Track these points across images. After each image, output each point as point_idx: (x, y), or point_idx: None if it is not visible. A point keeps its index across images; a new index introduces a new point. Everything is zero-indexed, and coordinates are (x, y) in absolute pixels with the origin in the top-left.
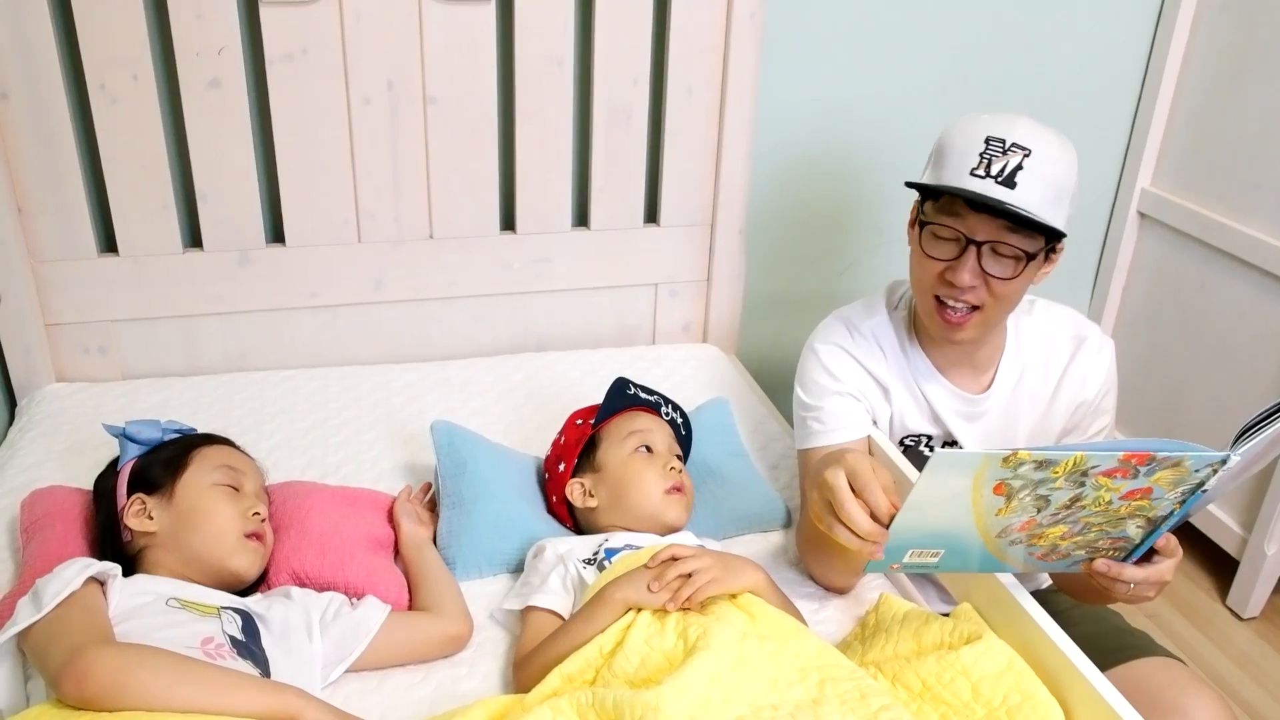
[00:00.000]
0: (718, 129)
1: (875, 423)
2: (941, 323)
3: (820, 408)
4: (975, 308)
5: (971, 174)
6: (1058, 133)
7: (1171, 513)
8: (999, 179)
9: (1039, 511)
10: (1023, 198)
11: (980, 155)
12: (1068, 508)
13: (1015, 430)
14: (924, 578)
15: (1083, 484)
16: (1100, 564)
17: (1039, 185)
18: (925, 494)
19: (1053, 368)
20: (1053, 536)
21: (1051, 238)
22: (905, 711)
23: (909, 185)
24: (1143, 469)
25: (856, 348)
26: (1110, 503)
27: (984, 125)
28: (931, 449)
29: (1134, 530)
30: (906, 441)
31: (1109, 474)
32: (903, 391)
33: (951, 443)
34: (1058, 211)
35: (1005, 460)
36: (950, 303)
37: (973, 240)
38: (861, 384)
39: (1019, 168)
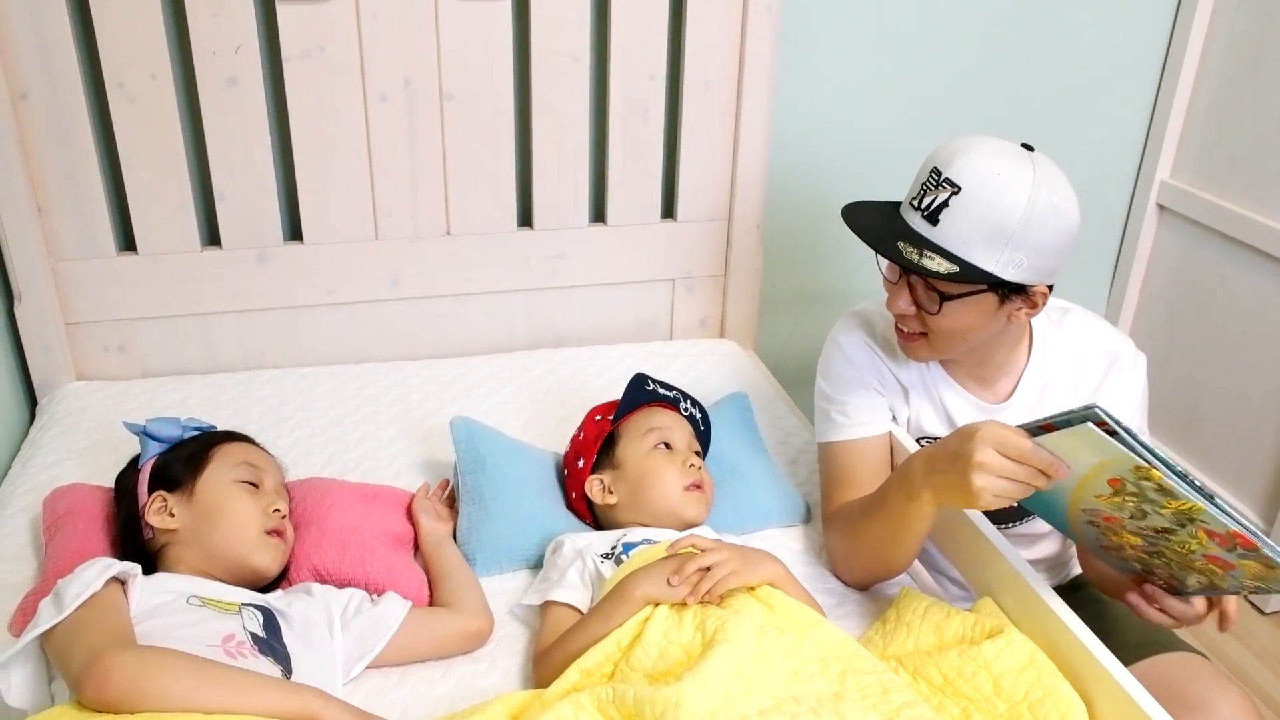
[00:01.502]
0: (734, 124)
1: (894, 419)
2: (899, 339)
3: (845, 401)
4: (922, 333)
5: (910, 203)
6: (1022, 170)
7: (1238, 594)
8: (924, 213)
9: (1130, 518)
10: (944, 236)
11: (922, 185)
12: (1156, 532)
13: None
14: (943, 572)
15: (1184, 525)
16: (1148, 588)
17: (962, 225)
18: (1057, 447)
19: (1082, 384)
20: (1127, 541)
21: (985, 279)
22: (928, 708)
23: (844, 215)
24: (1239, 550)
25: (878, 345)
26: (1192, 551)
27: (938, 154)
28: None
29: (1193, 583)
30: (922, 443)
31: (1210, 534)
32: (921, 394)
33: None
34: (990, 254)
35: (1137, 468)
36: (898, 325)
37: (902, 271)
38: (884, 380)
39: (944, 205)
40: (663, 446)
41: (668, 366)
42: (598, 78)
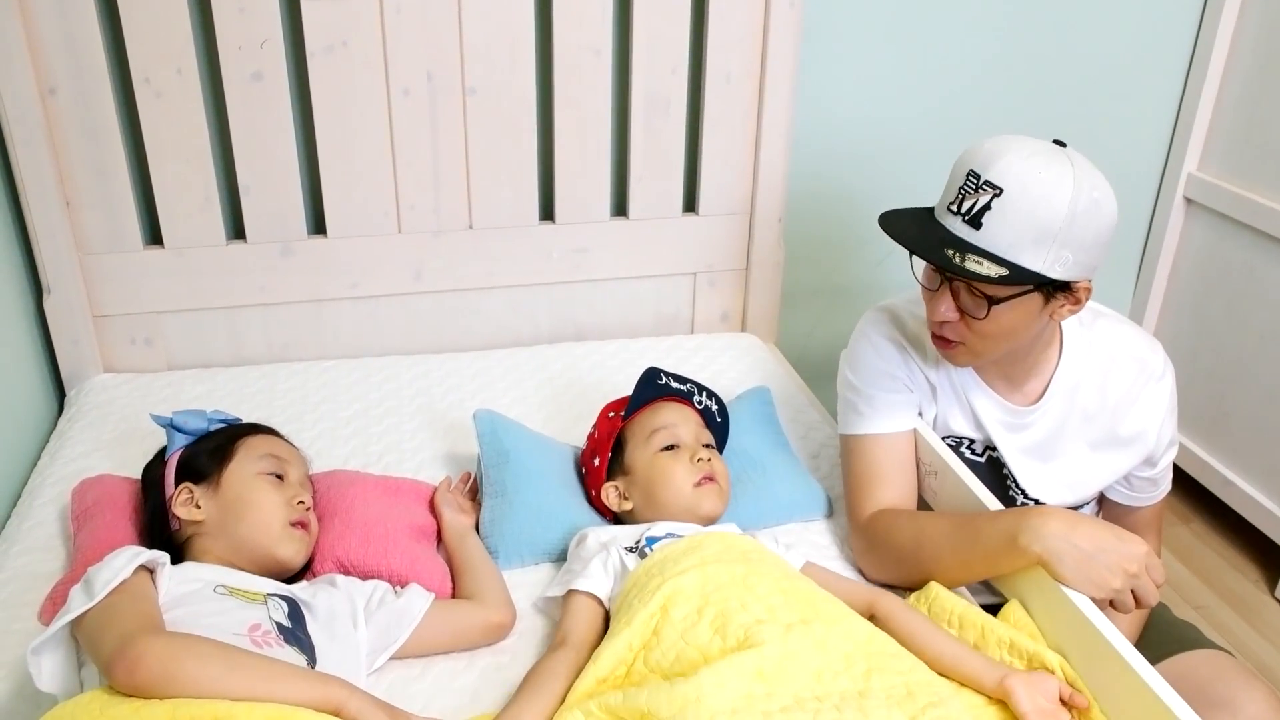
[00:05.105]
0: (756, 118)
1: (920, 415)
2: (937, 345)
3: (873, 395)
4: (962, 340)
5: (948, 208)
6: (1062, 168)
7: None
8: (965, 217)
9: None
10: (988, 239)
11: (959, 190)
12: None
13: (1060, 445)
14: None
15: None
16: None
17: (1008, 227)
18: None
19: (1110, 389)
20: None
21: (1034, 279)
22: (953, 707)
23: (882, 224)
24: None
25: (908, 342)
26: None
27: (972, 156)
28: (973, 452)
29: None
30: (947, 443)
31: None
32: (949, 394)
33: (991, 448)
34: (1038, 253)
35: None
36: (937, 332)
37: (944, 276)
38: (913, 377)
39: (986, 208)
40: (669, 446)
41: (689, 360)
42: (619, 72)
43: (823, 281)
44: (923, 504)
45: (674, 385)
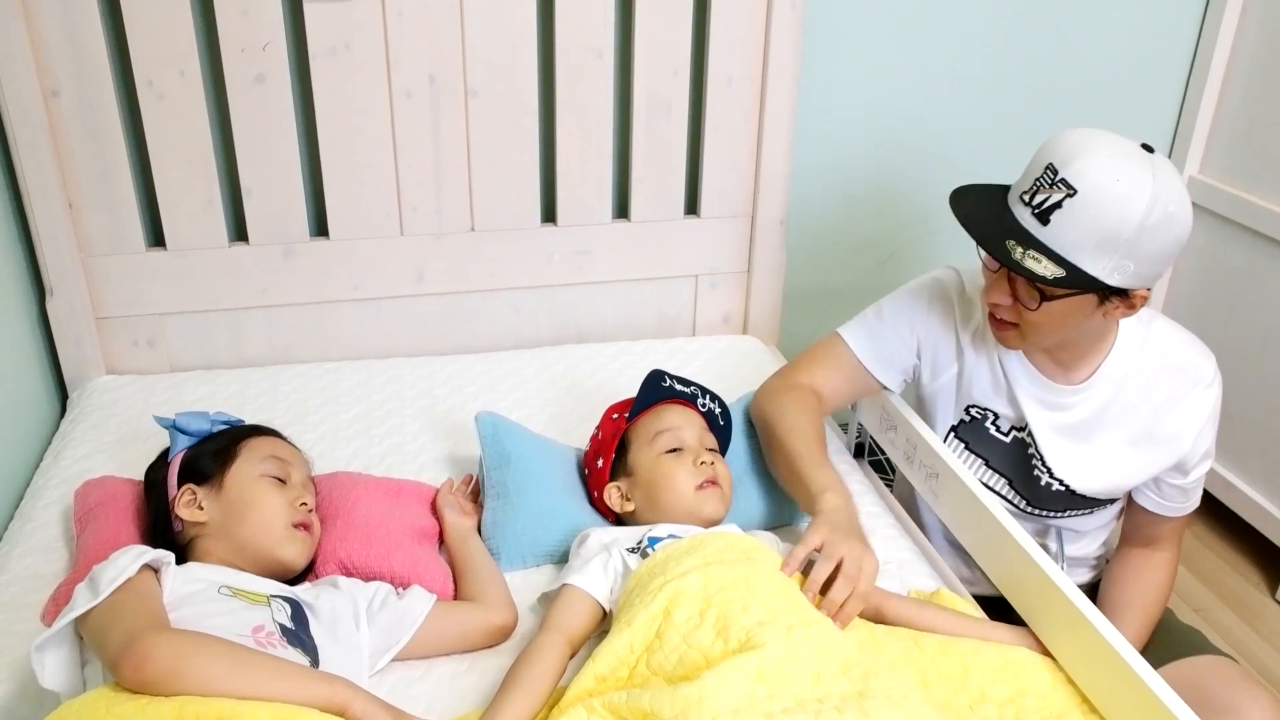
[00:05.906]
0: (758, 120)
1: (916, 368)
2: (991, 325)
3: (881, 329)
4: (1014, 323)
5: (1020, 197)
6: (1142, 178)
7: None
8: (1035, 210)
9: None
10: (1053, 236)
11: (1035, 180)
12: None
13: (1098, 431)
14: (968, 574)
15: None
16: None
17: (1075, 229)
18: None
19: (1156, 390)
20: None
21: (1090, 284)
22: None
23: (951, 202)
24: None
25: (960, 300)
26: None
27: (1055, 148)
28: (998, 429)
29: None
30: (973, 413)
31: None
32: (982, 360)
33: (1023, 428)
34: (1099, 259)
35: None
36: (991, 312)
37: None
38: (940, 333)
39: (1057, 205)
40: (672, 449)
41: (690, 363)
42: (621, 73)
43: (824, 284)
44: (923, 504)
45: (678, 388)
